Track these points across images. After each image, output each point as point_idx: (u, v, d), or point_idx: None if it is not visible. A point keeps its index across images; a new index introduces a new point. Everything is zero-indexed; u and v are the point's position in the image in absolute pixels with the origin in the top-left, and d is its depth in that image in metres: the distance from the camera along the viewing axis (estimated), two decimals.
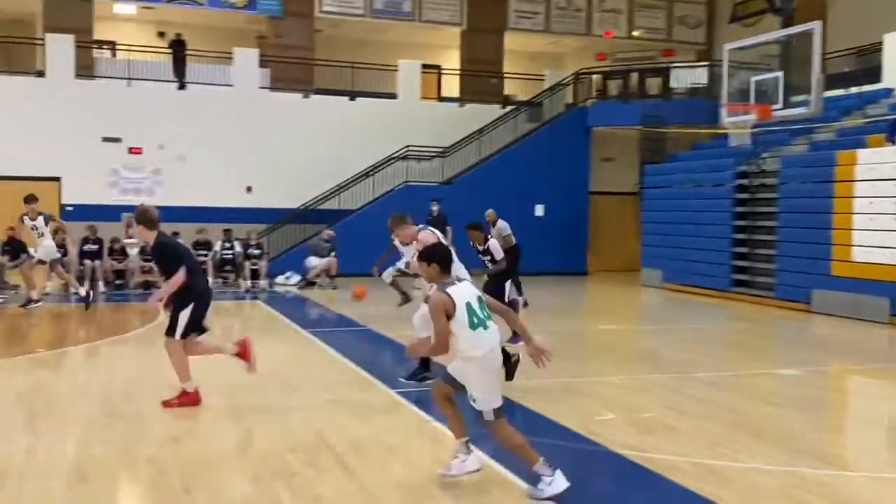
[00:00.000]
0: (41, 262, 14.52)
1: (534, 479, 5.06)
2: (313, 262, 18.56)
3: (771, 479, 5.69)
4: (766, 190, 16.95)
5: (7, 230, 16.62)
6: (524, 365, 9.94)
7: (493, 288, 10.37)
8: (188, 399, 7.34)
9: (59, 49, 20.28)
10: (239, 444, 6.40)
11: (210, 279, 17.77)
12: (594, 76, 24.56)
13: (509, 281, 10.76)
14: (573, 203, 22.75)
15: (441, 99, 25.47)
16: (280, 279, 18.97)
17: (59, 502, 5.10)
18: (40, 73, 21.20)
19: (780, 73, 15.73)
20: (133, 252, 17.42)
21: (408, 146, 22.01)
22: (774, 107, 15.44)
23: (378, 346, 11.55)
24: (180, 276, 7.13)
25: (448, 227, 16.51)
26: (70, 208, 19.96)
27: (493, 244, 10.61)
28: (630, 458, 6.02)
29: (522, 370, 9.48)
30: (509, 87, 25.99)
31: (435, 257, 5.28)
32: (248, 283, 18.08)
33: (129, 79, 21.07)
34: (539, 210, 22.59)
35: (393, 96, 23.40)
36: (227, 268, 18.33)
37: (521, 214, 22.15)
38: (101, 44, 22.87)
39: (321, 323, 14.17)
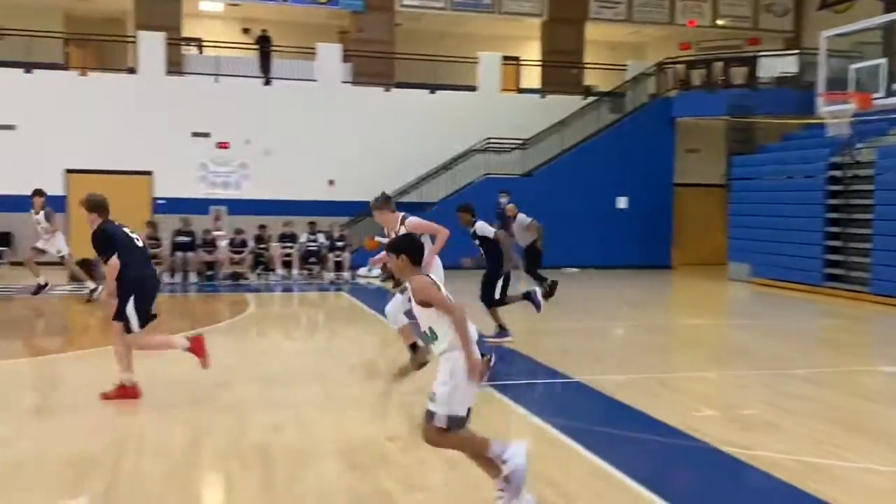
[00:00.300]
0: (42, 251, 14.51)
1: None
2: None
3: (884, 481, 5.50)
4: (860, 181, 16.37)
5: None
6: (609, 359, 9.94)
7: (485, 279, 10.30)
8: (126, 392, 7.21)
9: (151, 46, 20.87)
10: (337, 432, 6.49)
11: (295, 271, 18.23)
12: (676, 66, 24.10)
13: (501, 279, 10.25)
14: (656, 195, 22.40)
15: (521, 90, 25.35)
16: (362, 271, 19.18)
17: (181, 483, 5.26)
18: (131, 71, 21.85)
19: (882, 61, 15.16)
20: (223, 244, 17.85)
21: (488, 138, 21.98)
22: (875, 95, 14.90)
23: None
24: (111, 265, 7.02)
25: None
26: (162, 202, 20.58)
27: (481, 225, 10.09)
28: (734, 455, 5.89)
29: (606, 365, 9.43)
30: (590, 78, 25.70)
31: (404, 248, 4.65)
32: (332, 274, 18.35)
33: (217, 75, 21.55)
34: (622, 202, 22.32)
35: (473, 89, 23.38)
36: (312, 260, 18.62)
37: (602, 207, 22.02)
38: (188, 41, 23.44)
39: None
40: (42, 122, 19.89)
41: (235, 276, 17.62)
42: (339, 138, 21.79)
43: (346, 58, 22.81)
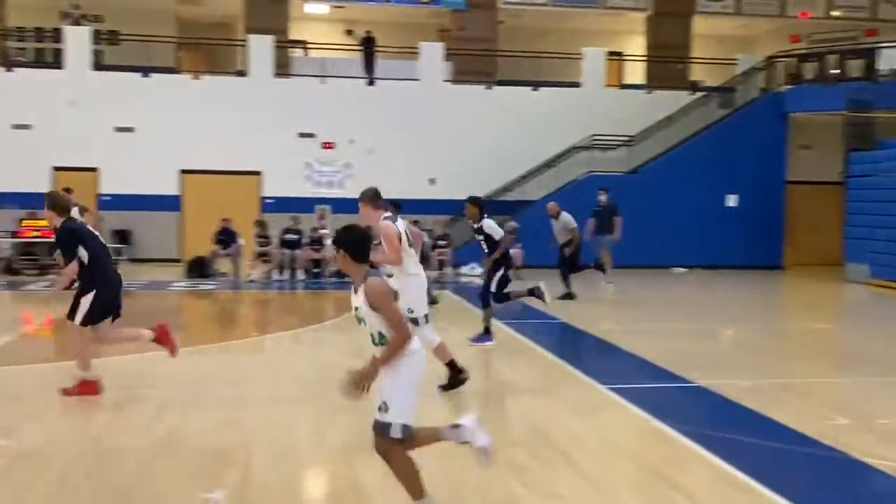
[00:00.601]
0: None
1: None
2: None
3: None
4: None
5: (221, 221, 17.66)
6: (728, 363, 9.60)
7: (485, 275, 10.08)
8: (87, 388, 7.21)
9: (260, 49, 21.36)
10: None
11: None
12: (787, 60, 23.22)
13: (500, 272, 9.83)
14: (768, 193, 21.65)
15: (625, 86, 24.90)
16: (465, 269, 19.20)
17: (311, 479, 5.31)
18: (241, 73, 22.42)
19: None
20: (329, 242, 18.11)
21: (593, 135, 21.66)
22: None
23: (571, 337, 11.43)
24: (72, 266, 7.09)
25: (616, 218, 16.05)
26: (270, 200, 21.05)
27: (489, 224, 9.76)
28: (881, 468, 5.58)
29: (726, 369, 9.10)
30: (696, 73, 25.04)
31: (343, 242, 4.44)
32: (435, 272, 18.39)
33: (322, 76, 21.90)
34: (731, 200, 21.65)
35: (576, 85, 23.09)
36: None
37: (711, 205, 21.41)
38: (295, 43, 23.90)
39: (511, 313, 14.18)
40: (158, 124, 20.60)
41: (340, 274, 17.84)
42: (441, 137, 21.84)
43: (448, 56, 22.84)
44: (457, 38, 23.73)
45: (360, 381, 4.36)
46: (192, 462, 5.66)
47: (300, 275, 17.68)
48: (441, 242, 18.89)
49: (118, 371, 8.11)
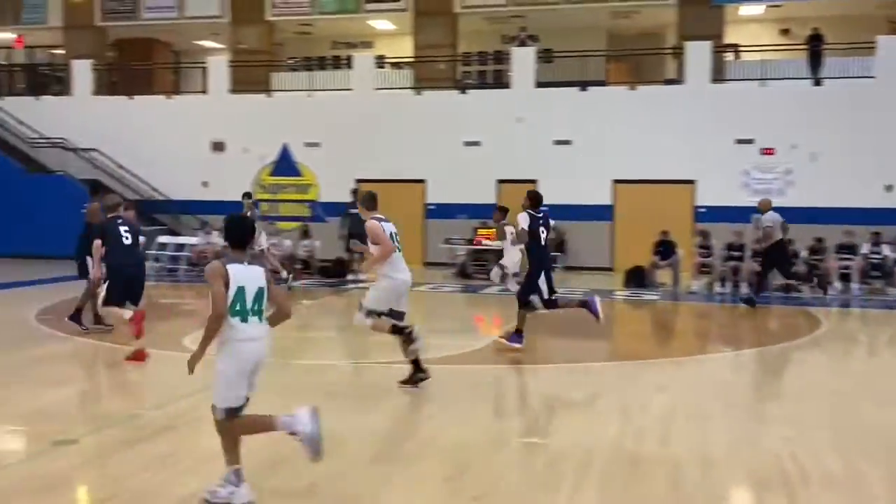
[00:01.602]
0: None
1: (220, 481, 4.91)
2: None
3: None
4: None
5: (660, 233, 17.60)
6: None
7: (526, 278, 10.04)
8: (138, 355, 8.99)
9: (697, 56, 20.93)
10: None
11: (856, 284, 16.75)
12: None
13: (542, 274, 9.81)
14: None
15: None
16: None
17: None
18: (670, 81, 22.24)
19: None
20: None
21: None
22: None
23: None
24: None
25: None
26: (703, 209, 20.54)
27: (521, 217, 10.09)
28: None
29: None
30: None
31: (226, 231, 5.04)
32: None
33: (762, 79, 20.86)
34: None
35: None
36: (875, 273, 16.93)
37: None
38: (727, 47, 23.11)
39: None
40: (592, 135, 21.15)
41: (787, 289, 16.75)
42: None
43: None
44: None
45: (191, 362, 4.87)
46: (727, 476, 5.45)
47: (743, 288, 16.89)
48: None
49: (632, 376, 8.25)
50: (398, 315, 7.89)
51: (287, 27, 26.26)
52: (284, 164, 23.41)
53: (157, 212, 22.63)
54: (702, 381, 9.16)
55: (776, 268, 14.98)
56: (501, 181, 21.62)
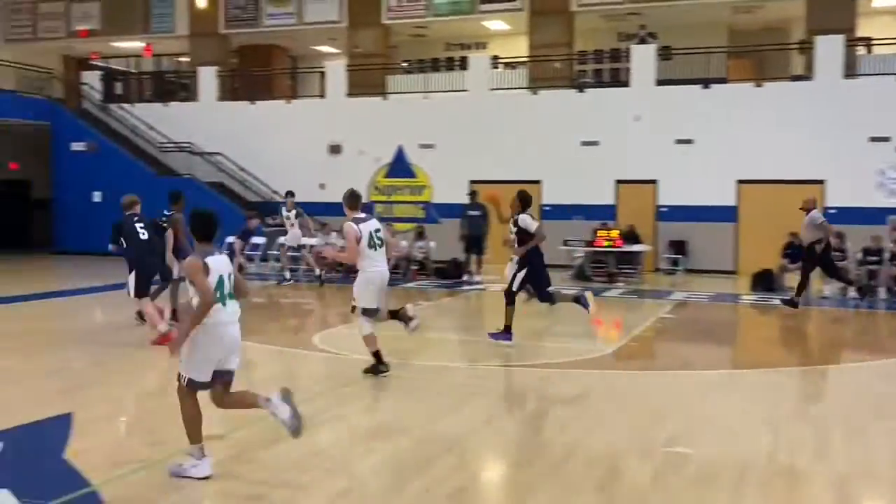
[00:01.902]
0: (291, 247, 18.35)
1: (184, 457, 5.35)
2: None
3: None
4: None
5: (788, 235, 16.91)
6: None
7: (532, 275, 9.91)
8: (163, 339, 9.51)
9: (828, 50, 19.99)
10: None
11: None
12: None
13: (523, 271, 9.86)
14: None
15: None
16: None
17: None
18: (798, 77, 21.34)
19: None
20: None
21: None
22: None
23: None
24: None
25: None
26: (833, 210, 19.57)
27: (523, 218, 9.87)
28: None
29: None
30: None
31: (192, 225, 5.49)
32: None
33: None
34: None
35: None
36: None
37: None
38: (858, 41, 22.01)
39: None
40: (715, 134, 20.48)
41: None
42: None
43: None
44: None
45: (175, 344, 5.42)
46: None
47: (882, 293, 16.03)
48: None
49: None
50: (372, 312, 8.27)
51: (402, 30, 26.48)
52: (399, 166, 23.63)
53: (276, 213, 23.17)
54: (850, 391, 8.69)
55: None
56: (620, 181, 21.23)
